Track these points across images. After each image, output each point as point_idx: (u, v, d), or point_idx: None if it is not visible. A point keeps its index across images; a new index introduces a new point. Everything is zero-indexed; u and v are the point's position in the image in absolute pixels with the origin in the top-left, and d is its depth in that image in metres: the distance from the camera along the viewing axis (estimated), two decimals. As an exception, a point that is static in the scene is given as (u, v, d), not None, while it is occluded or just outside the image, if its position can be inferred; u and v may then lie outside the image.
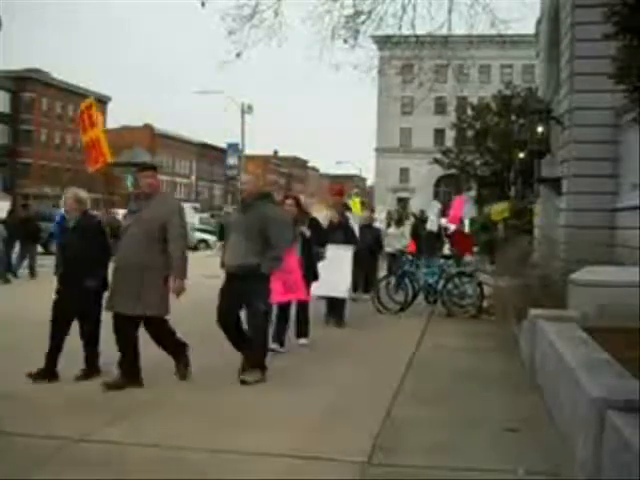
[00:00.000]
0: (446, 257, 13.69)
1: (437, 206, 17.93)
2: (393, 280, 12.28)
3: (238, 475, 4.19)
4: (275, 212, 6.81)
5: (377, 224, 15.66)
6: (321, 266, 8.87)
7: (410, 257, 12.94)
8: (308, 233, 8.31)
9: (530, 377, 6.73)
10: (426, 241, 15.98)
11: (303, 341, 8.48)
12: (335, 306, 9.97)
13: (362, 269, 12.01)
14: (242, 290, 6.45)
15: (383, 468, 4.36)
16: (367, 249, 12.21)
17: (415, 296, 11.85)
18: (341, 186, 13.47)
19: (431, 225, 16.56)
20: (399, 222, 16.18)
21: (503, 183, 29.63)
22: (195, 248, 25.41)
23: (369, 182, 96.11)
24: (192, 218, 28.63)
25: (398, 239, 15.41)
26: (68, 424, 4.99)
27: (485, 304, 11.18)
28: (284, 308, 8.04)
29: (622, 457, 3.07)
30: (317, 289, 9.00)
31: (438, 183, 64.79)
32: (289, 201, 8.23)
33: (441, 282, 11.61)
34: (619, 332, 5.68)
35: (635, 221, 9.89)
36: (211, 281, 8.20)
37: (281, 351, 7.83)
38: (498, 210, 21.32)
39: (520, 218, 17.23)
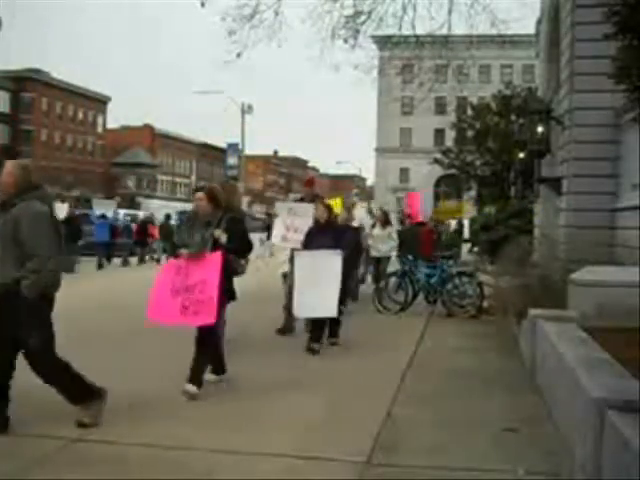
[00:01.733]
0: (446, 257, 13.68)
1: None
2: (393, 280, 12.27)
3: (238, 475, 4.19)
4: (32, 210, 4.90)
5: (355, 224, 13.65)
6: (303, 277, 7.90)
7: (410, 257, 12.92)
8: (224, 238, 6.06)
9: (530, 377, 6.73)
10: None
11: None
12: (318, 323, 8.14)
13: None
14: (3, 319, 4.90)
15: (383, 468, 4.36)
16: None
17: (415, 296, 11.86)
18: (311, 177, 12.11)
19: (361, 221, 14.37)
20: (385, 222, 14.25)
21: (503, 183, 29.63)
22: None
23: (369, 182, 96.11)
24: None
25: (384, 241, 13.82)
26: (68, 424, 4.99)
27: (485, 304, 11.18)
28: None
29: (622, 457, 3.07)
30: (299, 309, 7.97)
31: (438, 183, 64.78)
32: (199, 194, 6.34)
33: (441, 282, 11.61)
34: (619, 332, 5.67)
35: (635, 221, 9.89)
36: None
37: None
38: (450, 209, 20.17)
39: (520, 218, 17.18)
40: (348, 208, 13.70)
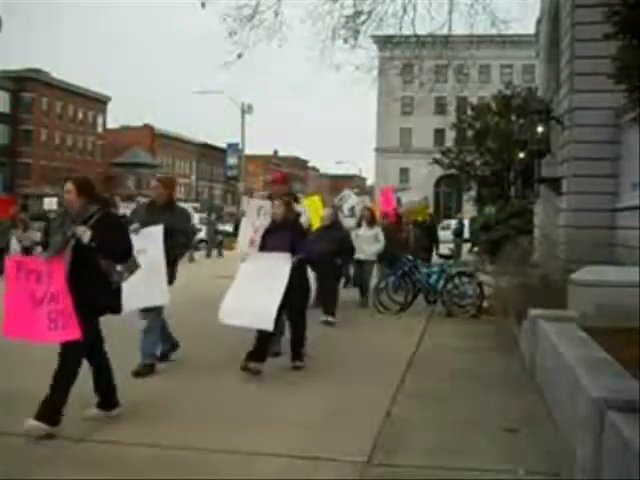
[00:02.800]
0: (445, 257, 13.67)
1: (353, 198, 14.09)
2: (393, 280, 12.26)
3: (238, 475, 4.20)
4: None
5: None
6: (242, 280, 6.86)
7: (411, 258, 12.91)
8: (87, 237, 4.98)
9: (530, 377, 6.73)
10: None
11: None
12: (263, 339, 6.76)
13: (319, 281, 10.19)
14: None
15: (383, 468, 4.36)
16: (327, 256, 9.62)
17: (415, 296, 11.85)
18: (283, 173, 10.98)
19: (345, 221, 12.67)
20: (372, 221, 12.63)
21: (503, 183, 29.62)
22: (196, 248, 25.49)
23: (369, 182, 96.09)
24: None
25: (370, 242, 12.28)
26: (68, 424, 4.99)
27: (485, 304, 11.17)
28: None
29: (622, 457, 3.07)
30: (226, 314, 6.68)
31: (438, 183, 64.77)
32: (67, 185, 5.24)
33: (441, 282, 11.61)
34: (619, 332, 5.68)
35: (635, 221, 9.89)
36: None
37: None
38: (414, 209, 17.53)
39: (520, 218, 17.18)
40: (333, 205, 12.64)
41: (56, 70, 76.06)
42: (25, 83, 61.62)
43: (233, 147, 52.21)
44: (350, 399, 5.95)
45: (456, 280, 11.56)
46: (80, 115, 68.44)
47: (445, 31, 14.25)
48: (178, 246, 6.82)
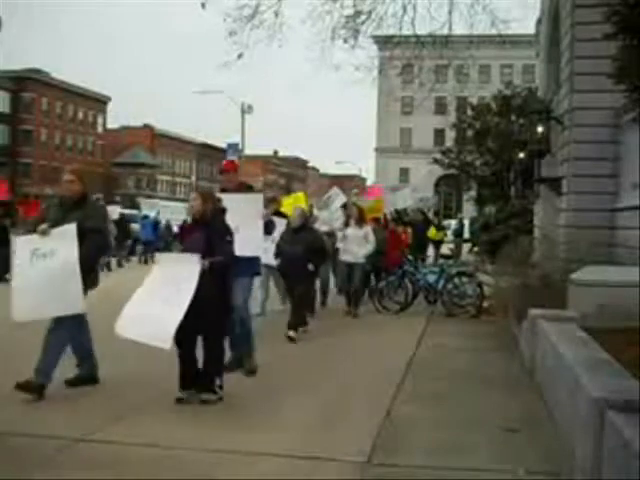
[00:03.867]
0: (445, 257, 13.68)
1: (340, 197, 13.18)
2: (393, 280, 12.26)
3: (238, 475, 4.20)
4: None
5: (319, 225, 11.57)
6: (150, 287, 5.76)
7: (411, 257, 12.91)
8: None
9: (530, 377, 6.73)
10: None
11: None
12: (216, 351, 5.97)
13: (290, 289, 9.44)
14: None
15: (383, 468, 4.36)
16: (297, 261, 9.00)
17: (415, 296, 11.85)
18: (233, 161, 9.95)
19: (324, 223, 12.04)
20: (361, 220, 11.49)
21: (503, 183, 29.58)
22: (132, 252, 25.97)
23: (369, 182, 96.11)
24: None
25: (360, 243, 11.25)
26: (68, 424, 4.99)
27: (485, 304, 11.18)
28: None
29: (622, 457, 3.07)
30: (124, 327, 5.64)
31: (438, 183, 64.77)
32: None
33: (441, 282, 11.61)
34: (619, 332, 5.68)
35: (635, 221, 9.88)
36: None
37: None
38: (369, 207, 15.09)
39: (520, 218, 17.17)
40: (311, 205, 12.01)
41: (56, 70, 76.14)
42: (25, 83, 61.62)
43: (233, 147, 52.13)
44: (350, 399, 5.96)
45: (456, 280, 11.57)
46: (80, 115, 68.44)
47: (445, 31, 14.25)
48: (91, 248, 5.91)
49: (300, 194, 12.30)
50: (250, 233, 6.79)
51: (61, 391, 5.87)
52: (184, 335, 5.54)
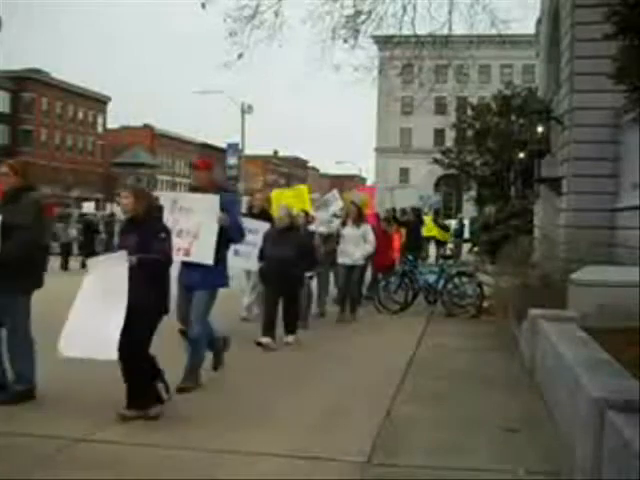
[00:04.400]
0: (445, 257, 13.68)
1: (338, 202, 11.81)
2: (393, 280, 12.26)
3: (238, 475, 4.19)
4: None
5: (317, 227, 10.52)
6: (82, 302, 5.22)
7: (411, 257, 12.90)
8: None
9: (530, 377, 6.73)
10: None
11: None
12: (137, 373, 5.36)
13: (269, 295, 8.48)
14: None
15: (383, 468, 4.36)
16: (283, 264, 8.22)
17: (415, 296, 11.85)
18: (205, 159, 9.17)
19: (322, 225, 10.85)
20: (358, 219, 10.66)
21: (503, 183, 29.57)
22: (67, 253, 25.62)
23: (369, 182, 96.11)
24: None
25: (358, 244, 10.50)
26: (68, 424, 4.99)
27: (485, 304, 11.18)
28: None
29: (622, 457, 3.07)
30: (73, 345, 5.10)
31: (438, 183, 64.80)
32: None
33: (441, 282, 11.61)
34: (619, 332, 5.68)
35: (635, 221, 9.88)
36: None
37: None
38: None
39: (520, 218, 17.17)
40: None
41: (56, 70, 76.21)
42: (25, 83, 61.61)
43: (233, 147, 52.12)
44: (350, 399, 5.96)
45: (456, 280, 11.57)
46: (80, 115, 68.42)
47: (445, 31, 14.26)
48: (14, 245, 5.43)
49: (303, 188, 11.20)
50: (205, 238, 6.06)
51: (61, 391, 5.86)
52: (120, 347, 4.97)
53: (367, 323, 10.48)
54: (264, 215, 9.75)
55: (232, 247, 7.44)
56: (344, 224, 10.83)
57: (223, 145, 62.59)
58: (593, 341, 5.35)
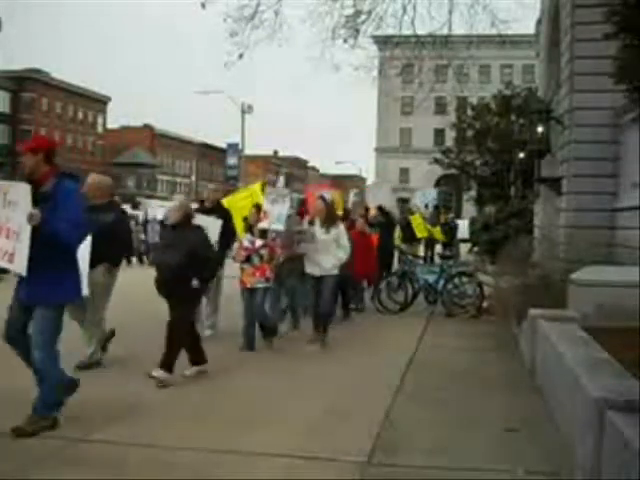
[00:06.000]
0: (445, 257, 13.67)
1: (286, 203, 9.03)
2: (393, 280, 12.26)
3: (238, 475, 4.19)
4: None
5: (269, 224, 8.35)
6: None
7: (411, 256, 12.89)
8: None
9: (530, 377, 6.73)
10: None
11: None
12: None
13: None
14: None
15: (383, 468, 4.36)
16: (172, 272, 6.37)
17: (415, 296, 11.85)
18: (33, 141, 5.89)
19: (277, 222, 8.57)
20: (330, 220, 8.54)
21: (503, 183, 29.58)
22: None
23: (369, 182, 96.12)
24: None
25: (329, 250, 8.40)
26: (68, 424, 4.99)
27: (485, 304, 11.18)
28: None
29: (622, 457, 3.07)
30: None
31: (438, 183, 64.79)
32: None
33: (441, 282, 11.61)
34: (619, 332, 5.67)
35: (635, 221, 9.88)
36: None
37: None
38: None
39: (520, 218, 17.17)
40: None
41: (56, 70, 76.24)
42: (25, 83, 61.58)
43: (233, 147, 52.19)
44: (350, 399, 5.96)
45: (456, 280, 11.57)
46: (80, 115, 68.41)
47: (445, 31, 14.27)
48: None
49: (256, 185, 9.90)
50: (21, 241, 4.85)
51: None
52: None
53: (367, 323, 10.48)
54: (219, 211, 8.55)
55: None
56: (312, 223, 8.65)
57: (223, 145, 62.71)
58: (593, 341, 5.35)
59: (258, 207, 8.43)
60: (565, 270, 8.30)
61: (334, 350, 8.22)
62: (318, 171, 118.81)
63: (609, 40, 7.47)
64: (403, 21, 13.65)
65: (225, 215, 8.59)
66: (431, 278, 11.77)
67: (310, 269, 8.54)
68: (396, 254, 14.21)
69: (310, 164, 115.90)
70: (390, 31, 14.59)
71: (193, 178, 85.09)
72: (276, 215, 8.45)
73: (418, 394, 6.15)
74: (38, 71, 62.97)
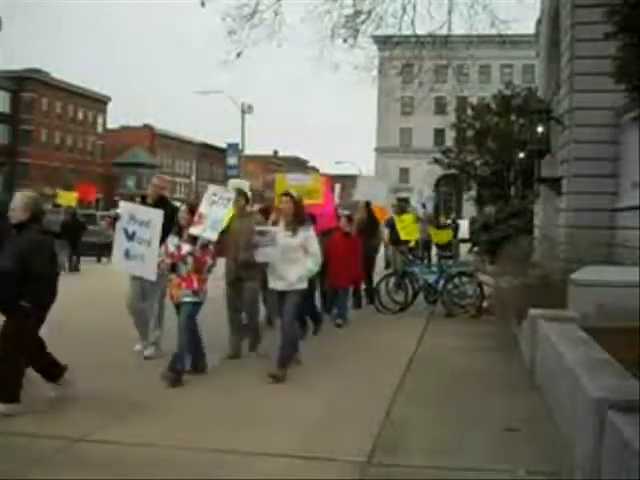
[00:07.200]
0: (445, 257, 13.67)
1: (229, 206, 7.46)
2: (393, 280, 12.26)
3: (238, 475, 4.19)
4: None
5: (200, 232, 6.73)
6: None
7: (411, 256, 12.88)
8: None
9: (530, 377, 6.73)
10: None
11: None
12: None
13: None
14: None
15: (383, 468, 4.36)
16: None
17: (415, 296, 11.84)
18: None
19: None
20: (297, 221, 6.90)
21: (503, 183, 29.60)
22: None
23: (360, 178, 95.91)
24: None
25: (293, 259, 6.77)
26: (68, 424, 4.99)
27: (485, 304, 11.17)
28: None
29: (622, 457, 3.07)
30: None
31: (438, 183, 64.78)
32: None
33: (441, 282, 11.60)
34: (619, 332, 5.67)
35: (635, 221, 9.88)
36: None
37: None
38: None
39: (520, 218, 17.17)
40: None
41: (56, 70, 76.14)
42: (25, 83, 61.58)
43: (233, 147, 52.12)
44: (350, 399, 5.96)
45: (456, 280, 11.56)
46: (80, 115, 68.40)
47: (445, 31, 14.26)
48: None
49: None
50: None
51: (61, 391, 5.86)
52: None
53: (367, 323, 10.47)
54: (162, 208, 7.24)
55: (122, 247, 6.67)
56: (275, 224, 7.19)
57: (223, 145, 62.54)
58: (593, 341, 5.35)
59: (191, 208, 7.04)
60: (565, 270, 8.30)
61: (334, 350, 8.22)
62: (318, 171, 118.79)
63: (609, 40, 7.46)
64: (403, 21, 13.66)
65: (170, 213, 7.13)
66: (431, 278, 11.77)
67: (273, 283, 6.98)
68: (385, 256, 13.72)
69: (310, 164, 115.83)
70: (390, 31, 14.59)
71: (193, 178, 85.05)
72: (211, 221, 6.78)
73: (418, 394, 6.15)
74: (38, 71, 62.96)
